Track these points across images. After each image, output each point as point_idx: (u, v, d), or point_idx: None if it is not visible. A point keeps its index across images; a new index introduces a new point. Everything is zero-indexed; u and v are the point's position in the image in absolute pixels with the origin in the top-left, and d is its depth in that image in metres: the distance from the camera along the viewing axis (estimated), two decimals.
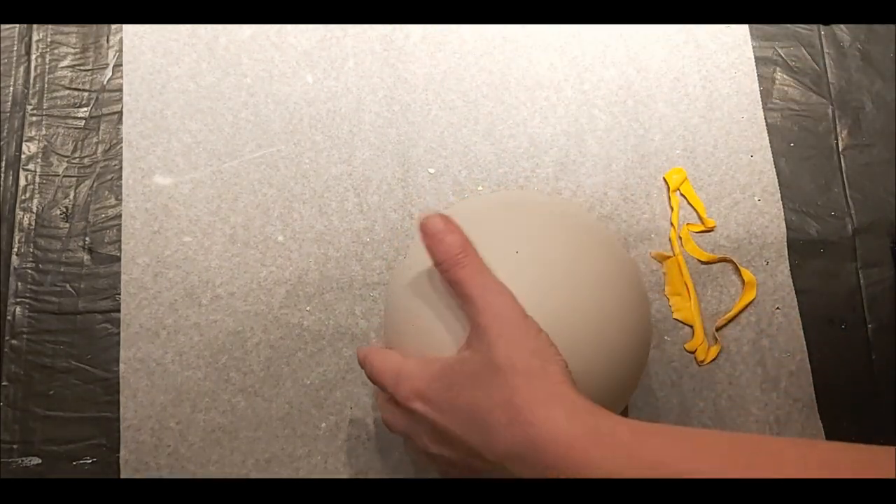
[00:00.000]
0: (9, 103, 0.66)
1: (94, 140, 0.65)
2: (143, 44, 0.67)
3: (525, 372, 0.41)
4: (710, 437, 0.40)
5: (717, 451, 0.38)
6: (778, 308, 0.61)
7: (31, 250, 0.62)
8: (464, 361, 0.43)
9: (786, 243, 0.62)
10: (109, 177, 0.64)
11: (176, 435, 0.58)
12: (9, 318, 0.60)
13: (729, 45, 0.67)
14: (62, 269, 0.62)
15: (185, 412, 0.58)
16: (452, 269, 0.44)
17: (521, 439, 0.40)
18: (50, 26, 0.68)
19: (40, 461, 0.58)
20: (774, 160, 0.64)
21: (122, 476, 0.57)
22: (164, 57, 0.67)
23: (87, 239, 0.62)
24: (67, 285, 0.61)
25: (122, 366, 0.59)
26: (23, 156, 0.64)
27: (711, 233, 0.63)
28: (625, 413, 0.59)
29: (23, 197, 0.63)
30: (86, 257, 0.62)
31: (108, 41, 0.67)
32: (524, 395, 0.40)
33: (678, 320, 0.61)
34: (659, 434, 0.39)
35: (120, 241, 0.62)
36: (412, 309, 0.48)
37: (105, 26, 0.68)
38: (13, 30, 0.67)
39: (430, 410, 0.43)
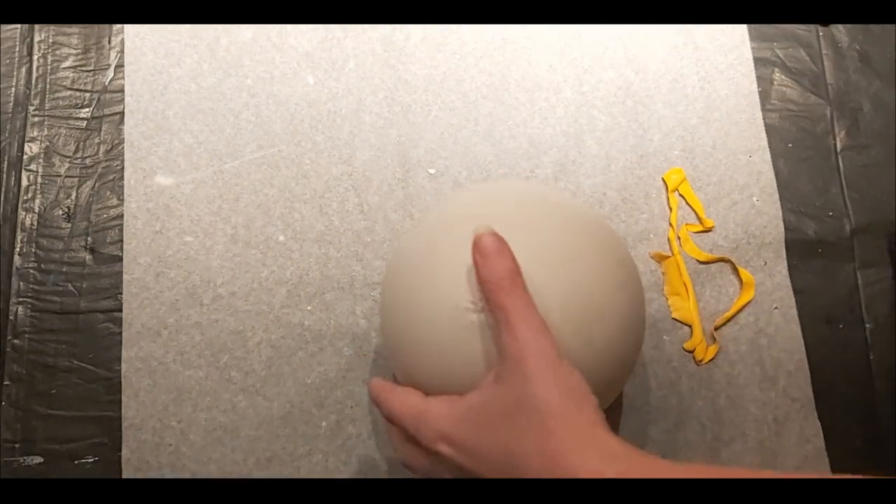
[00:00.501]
0: (11, 104, 0.66)
1: (96, 140, 0.65)
2: (144, 45, 0.67)
3: (560, 414, 0.39)
4: (740, 475, 0.39)
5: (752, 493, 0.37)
6: (776, 308, 0.61)
7: (34, 250, 0.62)
8: (495, 397, 0.41)
9: (784, 243, 0.62)
10: (111, 177, 0.64)
11: (177, 434, 0.58)
12: (11, 317, 0.61)
13: (727, 46, 0.68)
14: (64, 269, 0.62)
15: (186, 411, 0.59)
16: (498, 293, 0.42)
17: None
18: (52, 27, 0.68)
19: (42, 460, 0.58)
20: (773, 161, 0.64)
21: (124, 475, 0.57)
22: (165, 58, 0.67)
23: (88, 239, 0.63)
24: (69, 285, 0.61)
25: (123, 365, 0.59)
26: (25, 156, 0.64)
27: (710, 233, 0.63)
28: (619, 409, 0.59)
29: (25, 197, 0.63)
30: (88, 257, 0.62)
31: (109, 42, 0.68)
32: (559, 439, 0.39)
33: (677, 320, 0.61)
34: (692, 475, 0.38)
35: (122, 240, 0.62)
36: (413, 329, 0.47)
37: (107, 27, 0.68)
38: (15, 30, 0.68)
39: (457, 453, 0.41)
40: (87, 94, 0.66)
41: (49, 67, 0.67)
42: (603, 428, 0.40)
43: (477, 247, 0.43)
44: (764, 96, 0.66)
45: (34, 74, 0.67)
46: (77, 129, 0.65)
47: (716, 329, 0.60)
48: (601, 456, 0.38)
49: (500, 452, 0.40)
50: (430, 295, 0.46)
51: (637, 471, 0.38)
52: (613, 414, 0.59)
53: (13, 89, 0.66)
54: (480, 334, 0.44)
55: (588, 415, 0.40)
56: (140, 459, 0.58)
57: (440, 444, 0.42)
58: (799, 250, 0.62)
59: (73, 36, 0.68)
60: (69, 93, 0.66)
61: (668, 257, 0.62)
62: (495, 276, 0.42)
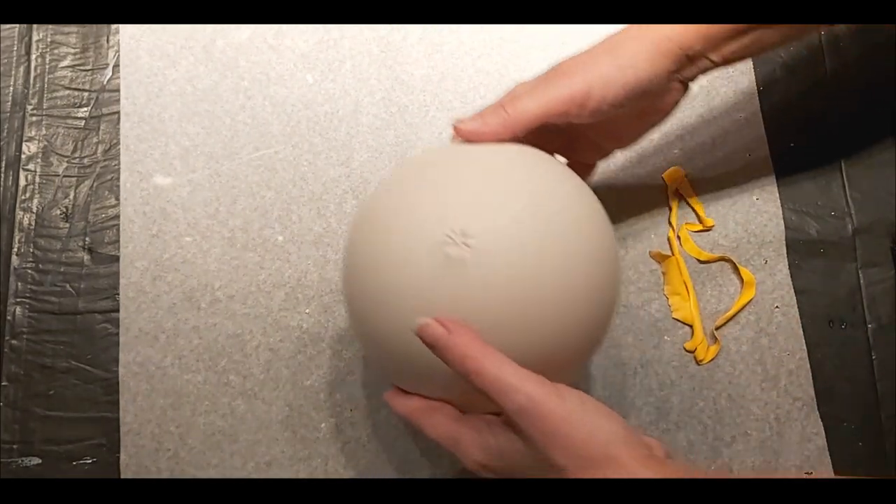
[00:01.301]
0: (9, 103, 0.66)
1: (94, 140, 0.65)
2: (139, 47, 0.67)
3: (589, 467, 0.41)
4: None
5: None
6: (777, 307, 0.61)
7: (31, 250, 0.62)
8: (518, 454, 0.43)
9: (785, 242, 0.62)
10: (109, 177, 0.64)
11: (176, 439, 0.58)
12: (9, 318, 0.61)
13: None
14: (62, 269, 0.62)
15: (184, 416, 0.59)
16: (468, 362, 0.41)
17: None
18: (50, 26, 0.68)
19: (40, 461, 0.58)
20: (773, 159, 0.64)
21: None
22: (160, 60, 0.66)
23: (86, 239, 0.62)
24: (67, 285, 0.61)
25: (121, 369, 0.59)
26: (23, 156, 0.64)
27: (710, 232, 0.62)
28: (620, 410, 0.58)
29: (23, 197, 0.63)
30: (86, 257, 0.62)
31: (108, 41, 0.67)
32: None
33: (677, 320, 0.60)
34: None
35: (119, 241, 0.62)
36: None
37: (105, 26, 0.68)
38: (13, 30, 0.67)
39: (497, 475, 0.45)
40: (86, 94, 0.66)
41: (47, 67, 0.67)
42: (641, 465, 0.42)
43: (425, 336, 0.41)
44: (764, 94, 0.66)
45: (32, 74, 0.66)
46: (75, 128, 0.65)
47: (717, 329, 0.60)
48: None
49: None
50: (400, 230, 0.41)
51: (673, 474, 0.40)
52: None
53: (11, 88, 0.66)
54: (462, 274, 0.39)
55: (620, 460, 0.41)
56: (138, 464, 0.57)
57: (481, 470, 0.44)
58: (800, 249, 0.62)
59: (71, 35, 0.67)
60: (67, 92, 0.66)
61: (668, 257, 0.62)
62: (458, 349, 0.41)
